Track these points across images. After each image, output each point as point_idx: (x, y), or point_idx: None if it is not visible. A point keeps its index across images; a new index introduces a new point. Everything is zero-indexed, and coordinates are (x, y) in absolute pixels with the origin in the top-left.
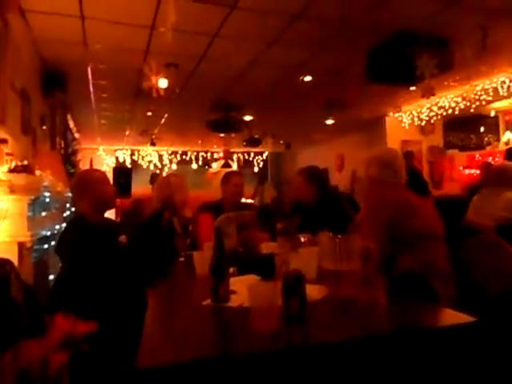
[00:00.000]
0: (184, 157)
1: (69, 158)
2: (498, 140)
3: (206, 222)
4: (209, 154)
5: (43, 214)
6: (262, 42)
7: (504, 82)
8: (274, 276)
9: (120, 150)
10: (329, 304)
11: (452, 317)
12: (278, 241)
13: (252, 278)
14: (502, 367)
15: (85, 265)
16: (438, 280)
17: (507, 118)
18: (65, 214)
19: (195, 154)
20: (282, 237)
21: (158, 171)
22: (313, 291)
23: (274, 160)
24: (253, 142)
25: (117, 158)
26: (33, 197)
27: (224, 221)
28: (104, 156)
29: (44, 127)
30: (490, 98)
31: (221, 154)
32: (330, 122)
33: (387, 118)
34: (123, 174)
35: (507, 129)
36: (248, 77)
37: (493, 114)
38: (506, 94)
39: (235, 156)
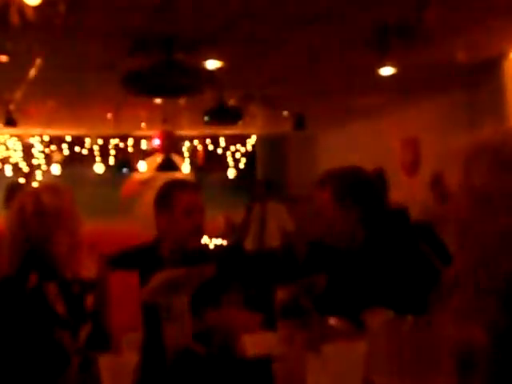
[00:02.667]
0: (77, 149)
1: None
2: None
3: (124, 289)
4: (130, 143)
5: None
6: None
7: None
8: None
9: None
10: None
11: None
12: (278, 329)
13: None
14: None
15: None
16: None
17: None
18: None
19: (101, 142)
20: (287, 320)
21: (22, 179)
22: None
23: (268, 153)
24: (224, 116)
25: None
26: None
27: (164, 288)
28: None
29: None
30: None
31: (156, 143)
32: (386, 71)
33: (507, 64)
34: None
35: None
36: None
37: None
38: None
39: (186, 145)
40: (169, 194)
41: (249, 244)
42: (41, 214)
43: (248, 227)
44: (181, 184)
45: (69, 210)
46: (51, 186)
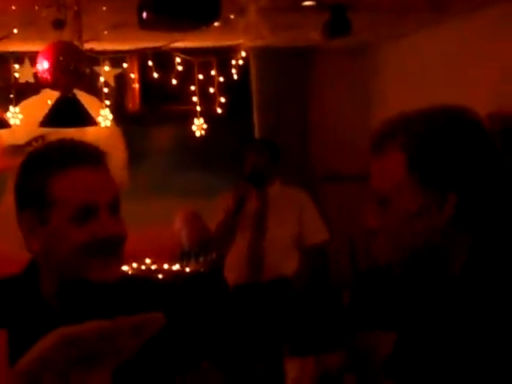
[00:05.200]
0: None
1: None
2: None
3: None
4: None
5: None
6: None
7: None
8: None
9: None
10: None
11: None
12: None
13: None
14: None
15: None
16: None
17: None
18: None
19: None
20: None
21: None
22: None
23: (276, 85)
24: (183, 7)
25: None
26: None
27: (59, 360)
28: None
29: None
30: None
31: (43, 67)
32: None
33: None
34: None
35: None
36: None
37: None
38: None
39: (106, 71)
40: (42, 179)
41: (232, 271)
42: None
43: (231, 236)
44: (77, 153)
45: None
46: None
